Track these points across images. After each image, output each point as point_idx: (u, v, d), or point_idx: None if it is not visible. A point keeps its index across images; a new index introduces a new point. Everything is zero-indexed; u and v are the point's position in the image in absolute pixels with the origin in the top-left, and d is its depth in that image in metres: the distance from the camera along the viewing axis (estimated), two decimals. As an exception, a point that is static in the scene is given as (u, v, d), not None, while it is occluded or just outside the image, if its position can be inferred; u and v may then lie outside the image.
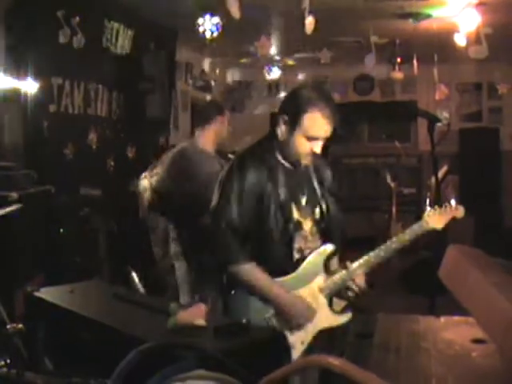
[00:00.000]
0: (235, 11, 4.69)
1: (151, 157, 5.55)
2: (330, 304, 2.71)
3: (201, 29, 5.60)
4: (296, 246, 2.68)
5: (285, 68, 9.28)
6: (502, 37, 6.59)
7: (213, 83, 8.82)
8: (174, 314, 2.22)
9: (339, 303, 2.74)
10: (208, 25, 5.57)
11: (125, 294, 2.72)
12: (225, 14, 5.10)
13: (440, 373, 1.41)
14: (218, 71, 9.14)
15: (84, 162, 5.46)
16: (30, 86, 4.74)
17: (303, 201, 2.73)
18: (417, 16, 6.46)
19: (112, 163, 6.08)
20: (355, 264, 2.70)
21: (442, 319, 1.86)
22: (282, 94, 9.27)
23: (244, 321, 2.26)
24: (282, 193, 2.64)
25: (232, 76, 10.48)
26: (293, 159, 2.68)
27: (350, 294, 2.72)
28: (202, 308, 2.28)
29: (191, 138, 4.53)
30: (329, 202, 2.79)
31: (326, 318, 2.69)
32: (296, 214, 2.68)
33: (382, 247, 2.71)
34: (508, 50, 7.78)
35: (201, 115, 4.43)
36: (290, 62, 9.16)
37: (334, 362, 1.10)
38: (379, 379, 1.06)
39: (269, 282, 2.60)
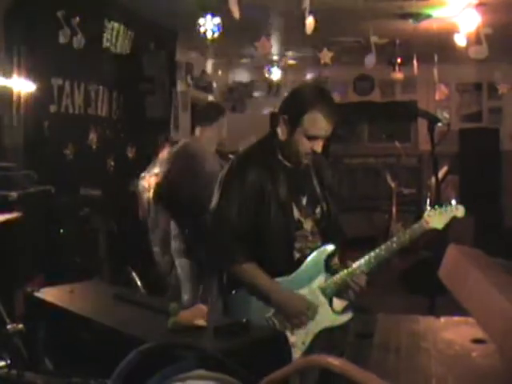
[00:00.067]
0: (236, 11, 4.69)
1: (151, 157, 5.56)
2: (331, 304, 2.71)
3: (202, 29, 5.60)
4: (297, 245, 2.68)
5: (285, 68, 9.29)
6: (502, 37, 6.59)
7: (214, 84, 8.83)
8: (174, 314, 2.21)
9: (340, 303, 2.74)
10: (209, 25, 5.58)
11: (125, 294, 2.71)
12: (225, 14, 5.10)
13: (440, 373, 1.41)
14: (219, 72, 9.14)
15: (84, 162, 5.46)
16: (30, 87, 4.74)
17: (304, 200, 2.73)
18: (417, 16, 6.47)
19: (112, 163, 6.09)
20: (356, 264, 2.70)
21: (442, 319, 1.86)
22: (282, 94, 9.27)
23: (244, 320, 2.25)
24: (283, 192, 2.64)
25: (232, 76, 10.48)
26: (293, 159, 2.68)
27: (351, 293, 2.72)
28: (202, 308, 2.28)
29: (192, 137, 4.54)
30: (329, 202, 2.79)
31: (327, 317, 2.69)
32: (296, 214, 2.69)
33: (383, 247, 2.70)
34: (508, 50, 7.79)
35: (201, 115, 4.43)
36: (290, 62, 9.16)
37: (334, 362, 1.09)
38: (379, 379, 1.05)
39: (269, 281, 2.60)
